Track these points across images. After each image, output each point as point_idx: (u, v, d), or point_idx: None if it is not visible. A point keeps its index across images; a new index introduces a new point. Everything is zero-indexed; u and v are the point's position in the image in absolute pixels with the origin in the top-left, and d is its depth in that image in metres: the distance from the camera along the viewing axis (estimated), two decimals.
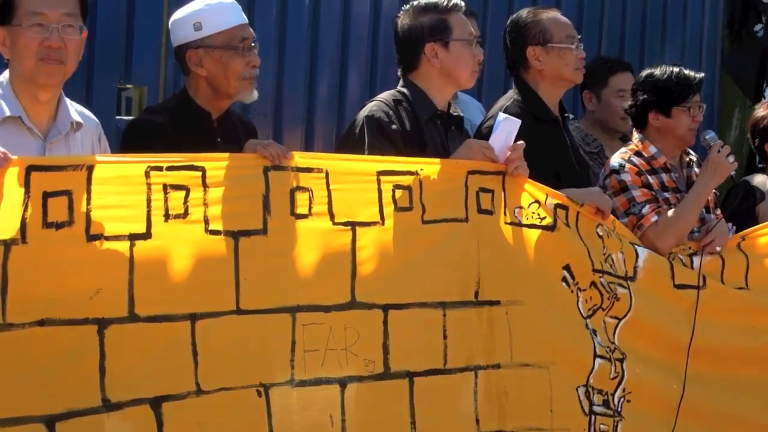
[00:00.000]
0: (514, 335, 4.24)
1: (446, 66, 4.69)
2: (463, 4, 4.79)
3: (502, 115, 4.52)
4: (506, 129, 4.42)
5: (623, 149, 5.24)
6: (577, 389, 4.43)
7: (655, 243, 4.91)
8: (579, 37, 5.22)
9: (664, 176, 5.17)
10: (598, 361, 4.47)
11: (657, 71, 5.25)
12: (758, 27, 7.35)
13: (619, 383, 4.55)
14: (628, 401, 4.58)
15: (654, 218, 4.96)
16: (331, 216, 3.94)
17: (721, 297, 4.96)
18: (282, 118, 6.43)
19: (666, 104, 5.17)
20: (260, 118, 6.07)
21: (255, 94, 4.48)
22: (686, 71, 5.23)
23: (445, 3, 4.70)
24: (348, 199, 3.99)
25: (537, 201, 4.42)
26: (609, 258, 4.62)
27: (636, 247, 4.79)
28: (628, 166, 5.09)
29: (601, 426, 4.49)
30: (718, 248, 5.01)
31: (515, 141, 4.47)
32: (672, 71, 5.21)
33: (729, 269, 5.00)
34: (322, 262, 3.92)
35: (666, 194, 5.12)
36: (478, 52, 4.78)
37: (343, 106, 6.59)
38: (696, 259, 4.99)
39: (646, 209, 4.98)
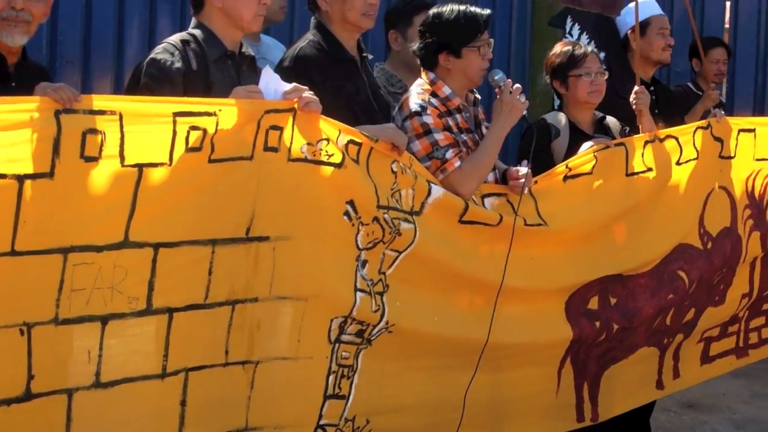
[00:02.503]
0: (277, 269, 4.33)
1: (228, 7, 4.71)
2: None
3: (265, 69, 4.52)
4: (267, 78, 4.43)
5: (418, 89, 5.21)
6: (332, 320, 4.53)
7: (457, 188, 4.97)
8: None
9: (458, 117, 5.20)
10: (358, 294, 4.57)
11: (444, 11, 5.19)
12: None
13: (382, 316, 4.66)
14: (390, 332, 4.71)
15: (457, 163, 5.01)
16: (122, 158, 3.95)
17: (519, 233, 5.10)
18: (90, 66, 6.39)
19: (456, 45, 5.16)
20: (68, 65, 6.03)
21: (19, 38, 4.44)
22: (473, 9, 5.20)
23: None
24: (141, 140, 4.00)
25: (327, 138, 4.46)
26: (397, 193, 4.69)
27: (431, 184, 4.87)
28: (429, 108, 5.09)
29: (343, 353, 4.61)
30: (525, 189, 5.15)
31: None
32: (459, 10, 5.17)
33: (521, 209, 5.14)
34: (103, 204, 3.96)
35: (463, 136, 5.16)
36: None
37: None
38: (488, 201, 5.11)
39: (449, 154, 5.02)
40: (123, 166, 3.96)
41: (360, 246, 4.57)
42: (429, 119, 5.06)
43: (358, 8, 5.15)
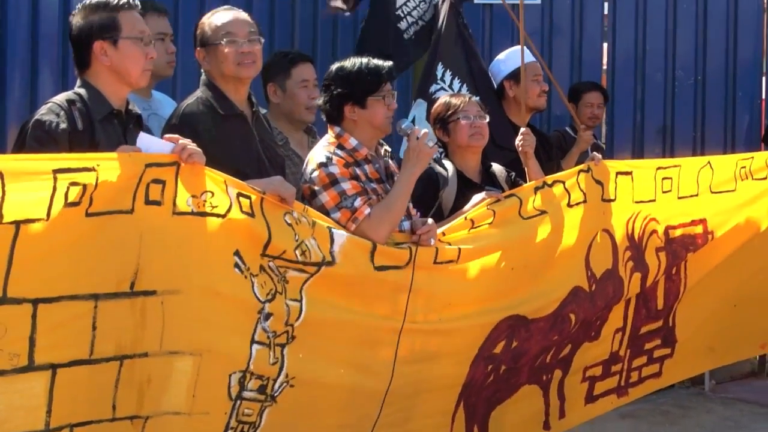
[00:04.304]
0: (167, 324, 4.29)
1: (115, 64, 4.70)
2: (137, 2, 4.80)
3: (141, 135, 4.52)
4: (146, 143, 4.43)
5: (324, 143, 5.30)
6: (230, 375, 4.51)
7: (370, 236, 5.00)
8: (255, 31, 5.27)
9: (367, 167, 5.26)
10: (255, 347, 4.56)
11: (347, 64, 5.33)
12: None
13: (281, 369, 4.66)
14: (292, 386, 4.70)
15: (367, 211, 5.03)
16: (0, 216, 3.91)
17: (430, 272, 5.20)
18: None
19: (360, 95, 5.26)
20: None
21: None
22: (375, 61, 5.33)
23: (116, 1, 4.70)
24: (21, 198, 3.96)
25: (212, 190, 4.45)
26: (303, 245, 4.70)
27: (331, 230, 4.88)
28: (335, 158, 5.14)
29: (245, 410, 4.59)
30: (431, 241, 5.19)
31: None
32: (361, 62, 5.30)
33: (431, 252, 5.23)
34: None
35: (373, 185, 5.22)
36: (150, 50, 4.77)
37: (36, 107, 6.46)
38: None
39: (358, 202, 5.04)
40: (2, 224, 3.92)
41: (261, 298, 4.56)
42: (335, 169, 5.11)
43: (231, 60, 5.18)
